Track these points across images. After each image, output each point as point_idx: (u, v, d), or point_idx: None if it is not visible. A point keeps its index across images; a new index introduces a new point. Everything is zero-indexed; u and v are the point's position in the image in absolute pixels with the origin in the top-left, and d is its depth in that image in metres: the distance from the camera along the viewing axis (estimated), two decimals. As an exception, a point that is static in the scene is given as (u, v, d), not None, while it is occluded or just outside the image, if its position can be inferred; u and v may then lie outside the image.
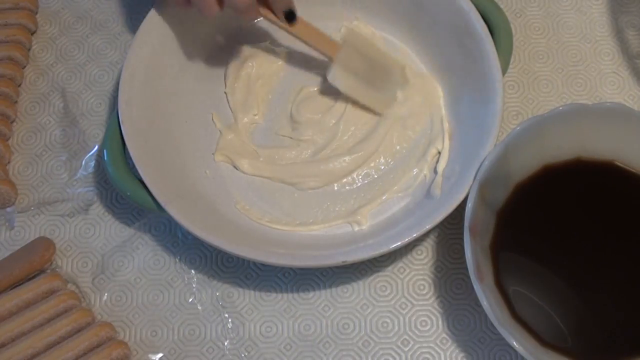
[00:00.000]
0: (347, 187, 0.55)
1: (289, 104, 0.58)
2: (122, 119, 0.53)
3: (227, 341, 0.52)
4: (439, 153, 0.55)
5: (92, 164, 0.58)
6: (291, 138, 0.57)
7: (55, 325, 0.50)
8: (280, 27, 0.54)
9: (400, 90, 0.57)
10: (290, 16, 0.53)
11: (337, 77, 0.55)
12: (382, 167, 0.56)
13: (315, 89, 0.59)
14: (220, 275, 0.54)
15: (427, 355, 0.51)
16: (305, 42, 0.55)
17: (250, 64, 0.59)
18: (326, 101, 0.58)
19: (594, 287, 0.49)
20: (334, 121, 0.57)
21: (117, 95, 0.54)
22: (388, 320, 0.52)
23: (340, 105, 0.57)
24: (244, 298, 0.53)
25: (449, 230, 0.54)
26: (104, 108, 0.60)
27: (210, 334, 0.52)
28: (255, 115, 0.58)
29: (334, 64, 0.55)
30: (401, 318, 0.52)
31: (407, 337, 0.52)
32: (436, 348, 0.51)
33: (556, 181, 0.51)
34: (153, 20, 0.56)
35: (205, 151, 0.57)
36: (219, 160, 0.56)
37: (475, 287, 0.46)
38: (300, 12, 0.60)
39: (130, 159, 0.52)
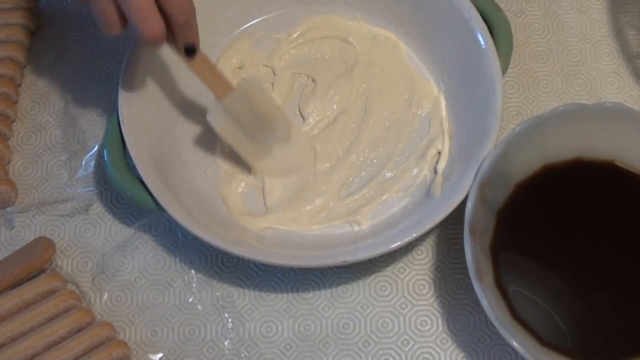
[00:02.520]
0: (347, 187, 0.55)
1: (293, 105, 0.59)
2: (122, 119, 0.53)
3: (227, 341, 0.52)
4: (439, 153, 0.55)
5: (92, 164, 0.58)
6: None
7: (55, 325, 0.50)
8: (178, 56, 0.51)
9: (277, 145, 0.56)
10: (190, 52, 0.50)
11: (217, 118, 0.53)
12: (382, 167, 0.56)
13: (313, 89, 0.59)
14: (220, 275, 0.54)
15: (427, 355, 0.51)
16: (199, 77, 0.52)
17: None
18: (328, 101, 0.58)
19: (594, 287, 0.49)
20: (334, 123, 0.57)
21: (117, 95, 0.54)
22: (388, 320, 0.52)
23: (344, 107, 0.58)
24: (244, 298, 0.53)
25: (449, 230, 0.54)
26: (104, 108, 0.60)
27: (210, 334, 0.52)
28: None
29: (218, 105, 0.53)
30: (401, 318, 0.52)
31: (407, 337, 0.52)
32: (436, 348, 0.51)
33: (556, 181, 0.51)
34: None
35: (205, 151, 0.57)
36: (219, 162, 0.56)
37: (475, 287, 0.46)
38: (300, 11, 0.60)
39: (130, 159, 0.52)
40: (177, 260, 0.55)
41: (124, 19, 0.46)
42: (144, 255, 0.55)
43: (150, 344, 0.52)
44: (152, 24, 0.45)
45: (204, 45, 0.59)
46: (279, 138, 0.56)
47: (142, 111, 0.54)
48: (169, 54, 0.57)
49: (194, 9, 0.48)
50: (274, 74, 0.59)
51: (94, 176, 0.58)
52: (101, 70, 0.62)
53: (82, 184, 0.57)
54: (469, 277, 0.46)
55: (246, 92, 0.53)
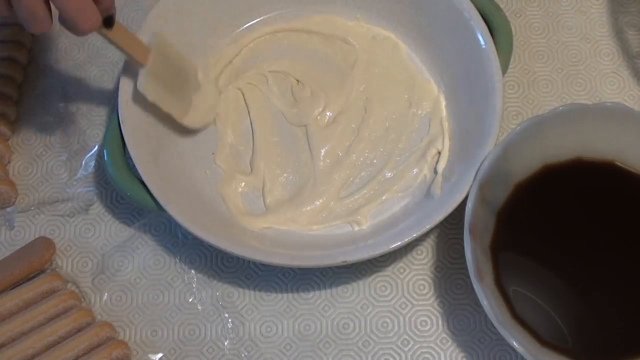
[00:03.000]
0: (347, 187, 0.55)
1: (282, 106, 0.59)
2: (122, 119, 0.53)
3: (227, 341, 0.52)
4: (439, 153, 0.55)
5: (92, 164, 0.58)
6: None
7: (55, 325, 0.50)
8: (97, 32, 0.49)
9: (194, 94, 0.56)
10: (109, 23, 0.49)
11: (147, 85, 0.52)
12: (382, 167, 0.56)
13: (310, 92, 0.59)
14: (220, 275, 0.54)
15: (427, 355, 0.51)
16: (120, 49, 0.51)
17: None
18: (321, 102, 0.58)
19: (594, 287, 0.49)
20: (334, 123, 0.57)
21: (117, 95, 0.54)
22: (388, 320, 0.52)
23: (341, 108, 0.58)
24: (244, 298, 0.53)
25: (449, 230, 0.54)
26: (104, 108, 0.60)
27: (210, 334, 0.52)
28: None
29: (143, 71, 0.52)
30: (401, 318, 0.52)
31: (407, 337, 0.52)
32: (436, 348, 0.51)
33: (556, 181, 0.51)
34: (153, 19, 0.56)
35: (205, 151, 0.57)
36: (219, 162, 0.56)
37: (475, 287, 0.46)
38: (300, 11, 0.60)
39: (130, 159, 0.52)
40: (177, 260, 0.55)
41: (50, 14, 0.45)
42: (144, 255, 0.55)
43: (150, 344, 0.52)
44: (89, 15, 0.45)
45: (204, 45, 0.59)
46: (193, 86, 0.56)
47: (142, 111, 0.54)
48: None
49: None
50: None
51: (94, 176, 0.58)
52: (101, 70, 0.62)
53: (82, 184, 0.57)
54: (469, 277, 0.46)
55: (162, 49, 0.54)
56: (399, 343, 0.51)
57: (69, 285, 0.54)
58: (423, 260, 0.54)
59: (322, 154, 0.56)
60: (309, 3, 0.61)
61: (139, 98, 0.54)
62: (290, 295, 0.53)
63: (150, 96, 0.53)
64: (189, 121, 0.56)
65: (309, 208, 0.54)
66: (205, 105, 0.57)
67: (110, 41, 0.51)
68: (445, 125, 0.56)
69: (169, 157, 0.55)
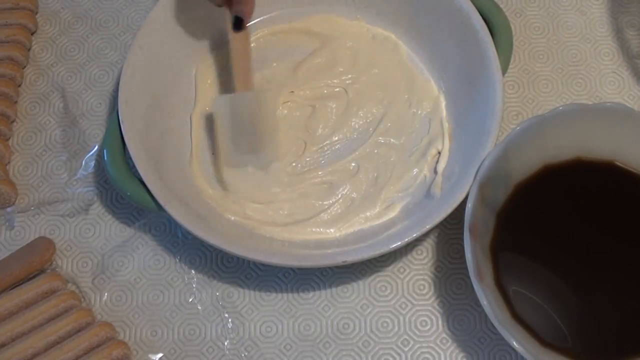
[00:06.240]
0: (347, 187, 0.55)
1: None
2: (122, 119, 0.53)
3: (227, 341, 0.52)
4: (439, 153, 0.55)
5: (92, 164, 0.58)
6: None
7: (55, 325, 0.50)
8: (227, 24, 0.53)
9: (252, 167, 0.55)
10: (237, 24, 0.52)
11: (221, 105, 0.53)
12: (382, 167, 0.56)
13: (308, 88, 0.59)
14: (220, 275, 0.54)
15: (427, 355, 0.51)
16: (232, 57, 0.54)
17: None
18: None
19: (594, 287, 0.49)
20: (333, 118, 0.57)
21: (117, 95, 0.54)
22: (388, 320, 0.52)
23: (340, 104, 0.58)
24: (244, 298, 0.53)
25: (449, 230, 0.54)
26: (104, 108, 0.60)
27: (210, 334, 0.52)
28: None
29: (230, 95, 0.54)
30: (401, 318, 0.52)
31: (407, 337, 0.52)
32: (436, 348, 0.51)
33: (556, 181, 0.51)
34: (153, 20, 0.56)
35: (205, 151, 0.57)
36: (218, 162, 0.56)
37: (475, 287, 0.46)
38: (300, 11, 0.60)
39: (130, 159, 0.52)
40: (177, 260, 0.55)
41: None
42: (144, 255, 0.55)
43: (150, 344, 0.52)
44: None
45: (202, 45, 0.59)
46: (258, 162, 0.55)
47: (142, 111, 0.54)
48: (168, 54, 0.57)
49: None
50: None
51: (94, 176, 0.58)
52: (101, 70, 0.62)
53: (82, 184, 0.57)
54: (469, 277, 0.46)
55: (261, 100, 0.54)
56: (399, 343, 0.51)
57: (69, 285, 0.54)
58: (423, 260, 0.54)
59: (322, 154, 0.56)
60: (309, 3, 0.61)
61: (139, 98, 0.54)
62: (290, 295, 0.53)
63: (216, 117, 0.54)
64: (224, 174, 0.54)
65: (313, 222, 0.54)
66: (251, 187, 0.54)
67: (230, 44, 0.53)
68: (445, 125, 0.56)
69: (169, 157, 0.55)
